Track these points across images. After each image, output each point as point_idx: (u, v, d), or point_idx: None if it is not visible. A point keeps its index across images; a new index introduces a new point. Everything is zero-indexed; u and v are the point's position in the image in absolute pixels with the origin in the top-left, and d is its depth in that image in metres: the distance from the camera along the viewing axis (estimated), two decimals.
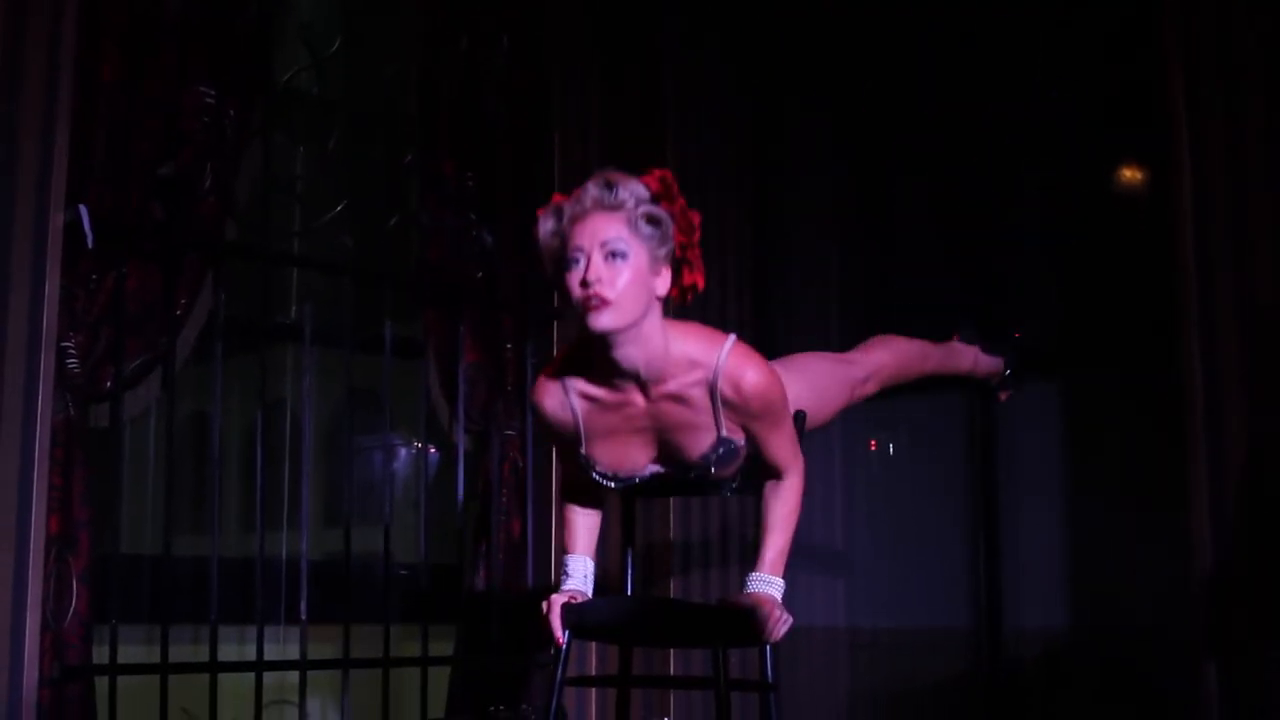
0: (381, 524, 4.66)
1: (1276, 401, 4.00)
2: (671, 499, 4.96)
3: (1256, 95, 4.14)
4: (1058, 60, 5.20)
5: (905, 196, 5.66)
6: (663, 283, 2.98)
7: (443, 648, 4.86)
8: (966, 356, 4.13)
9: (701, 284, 3.06)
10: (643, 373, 3.02)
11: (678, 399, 3.06)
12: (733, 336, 3.07)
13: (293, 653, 4.46)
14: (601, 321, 2.90)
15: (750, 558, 3.20)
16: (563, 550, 3.35)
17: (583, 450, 3.16)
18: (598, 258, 2.90)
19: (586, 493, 3.33)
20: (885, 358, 3.80)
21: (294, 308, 4.99)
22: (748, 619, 3.03)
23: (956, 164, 5.39)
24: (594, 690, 5.04)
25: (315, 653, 4.51)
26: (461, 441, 4.90)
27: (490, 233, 5.02)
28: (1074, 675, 4.88)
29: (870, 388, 3.74)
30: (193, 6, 4.26)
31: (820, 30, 5.74)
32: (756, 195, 5.70)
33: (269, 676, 4.39)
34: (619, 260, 2.91)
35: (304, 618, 4.39)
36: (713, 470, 3.14)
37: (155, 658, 4.10)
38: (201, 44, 4.28)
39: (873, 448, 5.56)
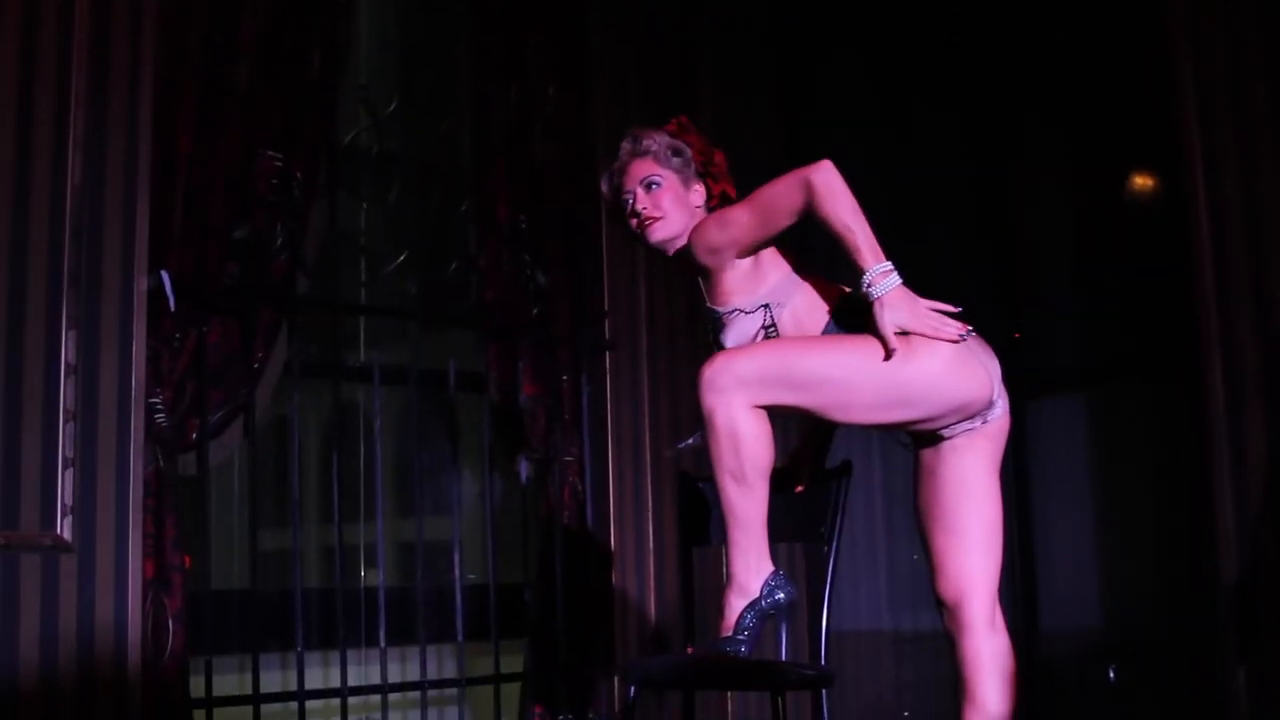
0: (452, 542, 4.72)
1: None
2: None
3: (1264, 97, 4.09)
4: (1071, 68, 5.16)
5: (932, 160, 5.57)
6: (698, 195, 3.38)
7: (514, 660, 4.89)
8: None
9: (732, 191, 3.38)
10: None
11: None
12: None
13: (374, 673, 4.50)
14: (656, 234, 3.34)
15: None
16: None
17: None
18: (640, 191, 3.35)
19: None
20: None
21: (361, 351, 5.03)
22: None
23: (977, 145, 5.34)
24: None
25: (395, 670, 4.59)
26: (524, 468, 4.93)
27: (544, 271, 5.04)
28: (1106, 674, 4.86)
29: None
30: (260, 77, 4.29)
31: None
32: None
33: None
34: (655, 188, 3.34)
35: (383, 645, 4.44)
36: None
37: (246, 684, 4.17)
38: (269, 112, 4.31)
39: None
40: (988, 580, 3.15)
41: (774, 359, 3.09)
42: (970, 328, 3.11)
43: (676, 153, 3.38)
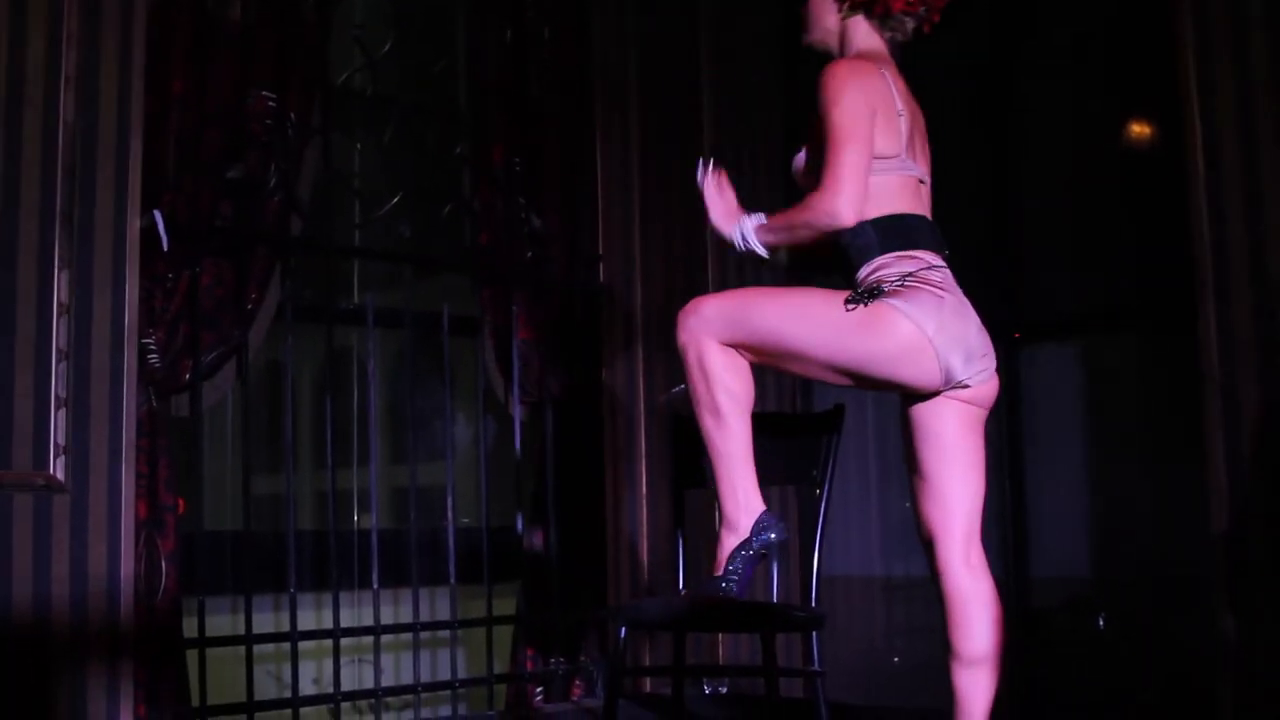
0: (446, 487, 4.72)
1: None
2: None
3: (1263, 47, 4.06)
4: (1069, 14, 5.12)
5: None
6: (829, 8, 3.37)
7: (506, 604, 4.90)
8: None
9: None
10: None
11: None
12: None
13: (367, 615, 4.51)
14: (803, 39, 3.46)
15: None
16: None
17: None
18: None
19: None
20: None
21: (355, 293, 5.03)
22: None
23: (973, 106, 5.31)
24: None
25: (388, 613, 4.60)
26: (517, 412, 4.93)
27: (538, 215, 5.02)
28: (1095, 623, 4.88)
29: None
30: (253, 17, 4.26)
31: None
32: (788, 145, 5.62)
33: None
34: (804, 7, 3.42)
35: (376, 587, 4.45)
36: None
37: (239, 624, 4.17)
38: (262, 52, 4.28)
39: None
40: (958, 525, 3.15)
41: (738, 306, 3.16)
42: (943, 293, 3.10)
43: None
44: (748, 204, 4.54)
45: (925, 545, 3.21)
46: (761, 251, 3.22)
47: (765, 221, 3.22)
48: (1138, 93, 4.94)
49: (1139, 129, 5.03)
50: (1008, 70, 5.27)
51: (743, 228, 3.24)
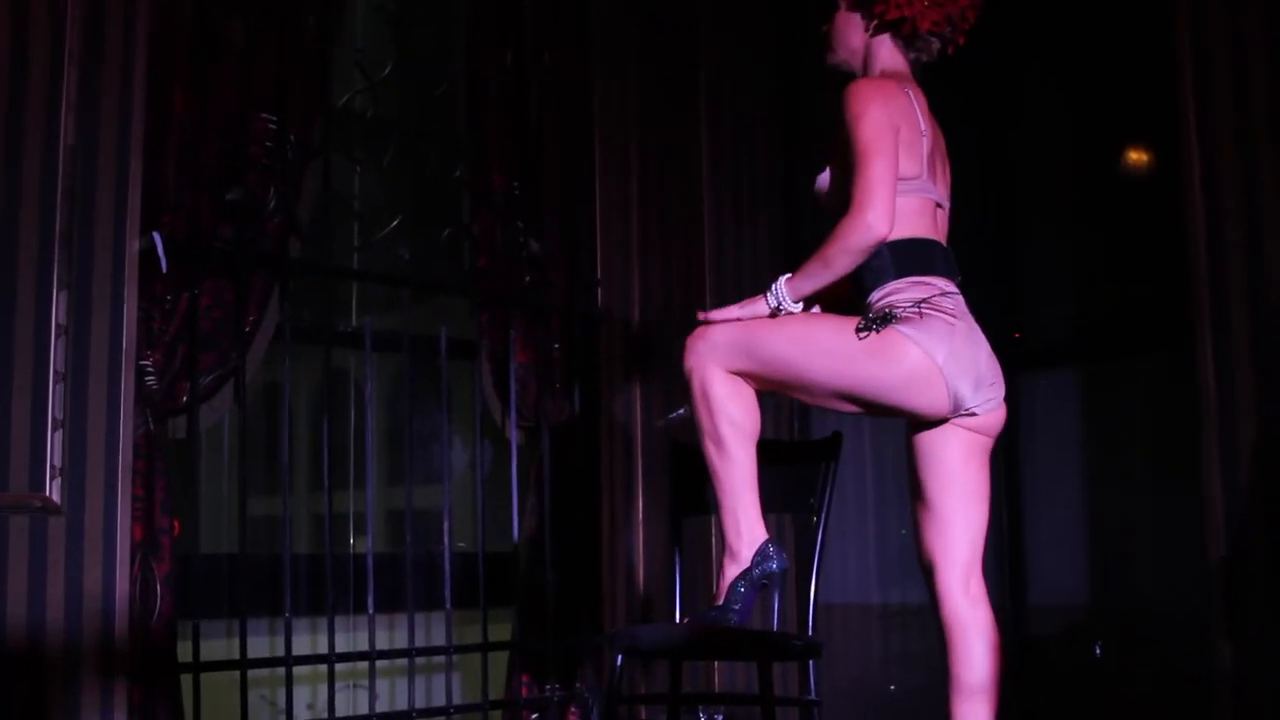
0: (442, 512, 4.71)
1: None
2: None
3: (1263, 76, 4.08)
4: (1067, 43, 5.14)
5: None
6: (855, 27, 3.37)
7: (502, 630, 4.90)
8: None
9: (894, 14, 3.28)
10: None
11: None
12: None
13: (362, 640, 4.51)
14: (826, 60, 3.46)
15: None
16: None
17: None
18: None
19: None
20: None
21: (353, 316, 5.03)
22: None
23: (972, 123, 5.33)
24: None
25: (383, 638, 4.59)
26: (514, 436, 4.93)
27: (536, 239, 5.03)
28: (1093, 650, 4.87)
29: None
30: (254, 39, 4.28)
31: None
32: (787, 177, 5.65)
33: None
34: (828, 26, 3.42)
35: (371, 612, 4.45)
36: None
37: (234, 649, 4.17)
38: (263, 74, 4.30)
39: None
40: (959, 553, 3.17)
41: (746, 333, 3.17)
42: (955, 320, 3.11)
43: None
44: (746, 220, 4.54)
45: (925, 572, 3.22)
46: (794, 308, 3.20)
47: (792, 275, 3.19)
48: (1136, 116, 4.95)
49: (1137, 153, 5.05)
50: (1007, 93, 5.28)
51: (773, 292, 3.20)
